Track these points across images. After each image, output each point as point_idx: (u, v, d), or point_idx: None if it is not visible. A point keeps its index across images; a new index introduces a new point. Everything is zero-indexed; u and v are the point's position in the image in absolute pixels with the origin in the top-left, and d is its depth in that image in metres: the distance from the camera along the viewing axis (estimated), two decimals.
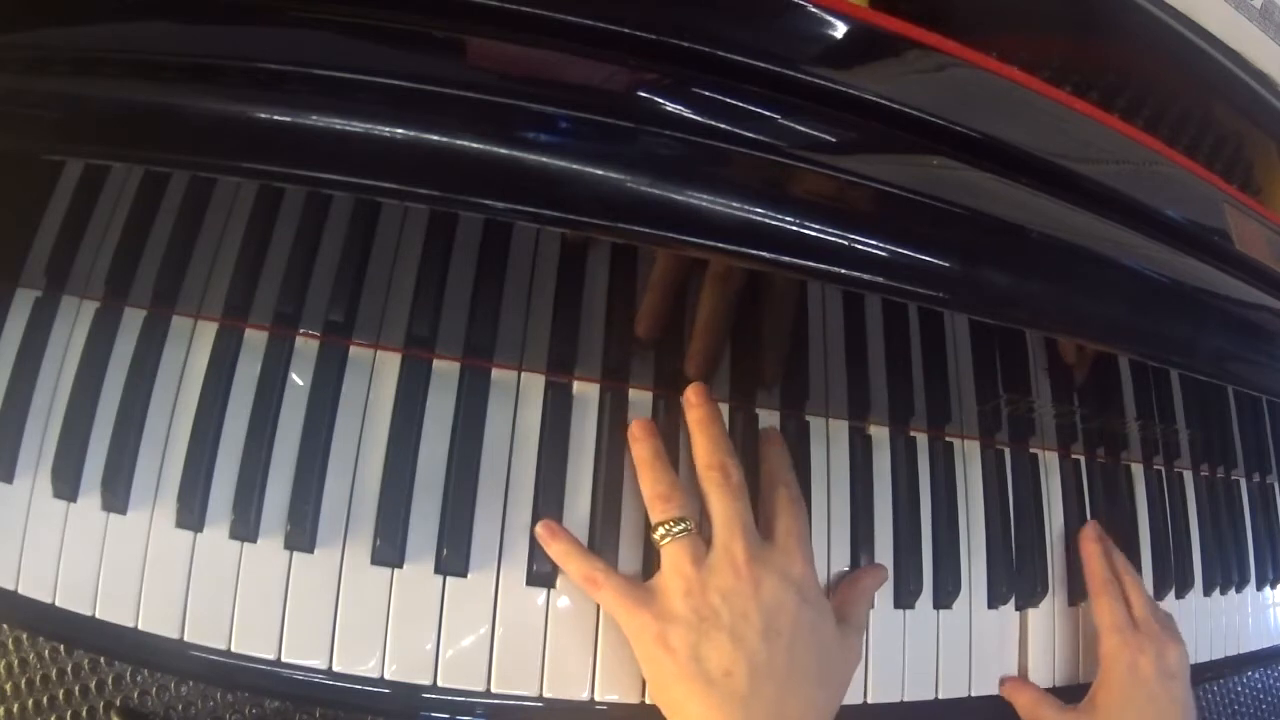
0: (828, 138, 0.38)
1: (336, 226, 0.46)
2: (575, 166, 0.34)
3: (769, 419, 0.54)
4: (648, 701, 0.47)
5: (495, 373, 0.50)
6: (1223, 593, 0.71)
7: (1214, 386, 0.63)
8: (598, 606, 0.48)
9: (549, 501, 0.48)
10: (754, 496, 0.49)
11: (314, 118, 0.33)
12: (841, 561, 0.54)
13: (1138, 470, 0.67)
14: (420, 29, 0.35)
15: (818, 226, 0.37)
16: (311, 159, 0.34)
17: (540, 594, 0.48)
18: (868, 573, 0.53)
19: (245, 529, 0.45)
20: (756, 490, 0.50)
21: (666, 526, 0.46)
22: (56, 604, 0.43)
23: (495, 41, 0.35)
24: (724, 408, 0.53)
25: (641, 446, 0.49)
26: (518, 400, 0.50)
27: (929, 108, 0.39)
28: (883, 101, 0.38)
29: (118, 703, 0.57)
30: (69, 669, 0.57)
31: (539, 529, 0.47)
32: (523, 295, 0.49)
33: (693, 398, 0.50)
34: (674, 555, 0.45)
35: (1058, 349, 0.57)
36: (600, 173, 0.35)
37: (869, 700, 0.53)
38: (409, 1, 0.34)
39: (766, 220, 0.37)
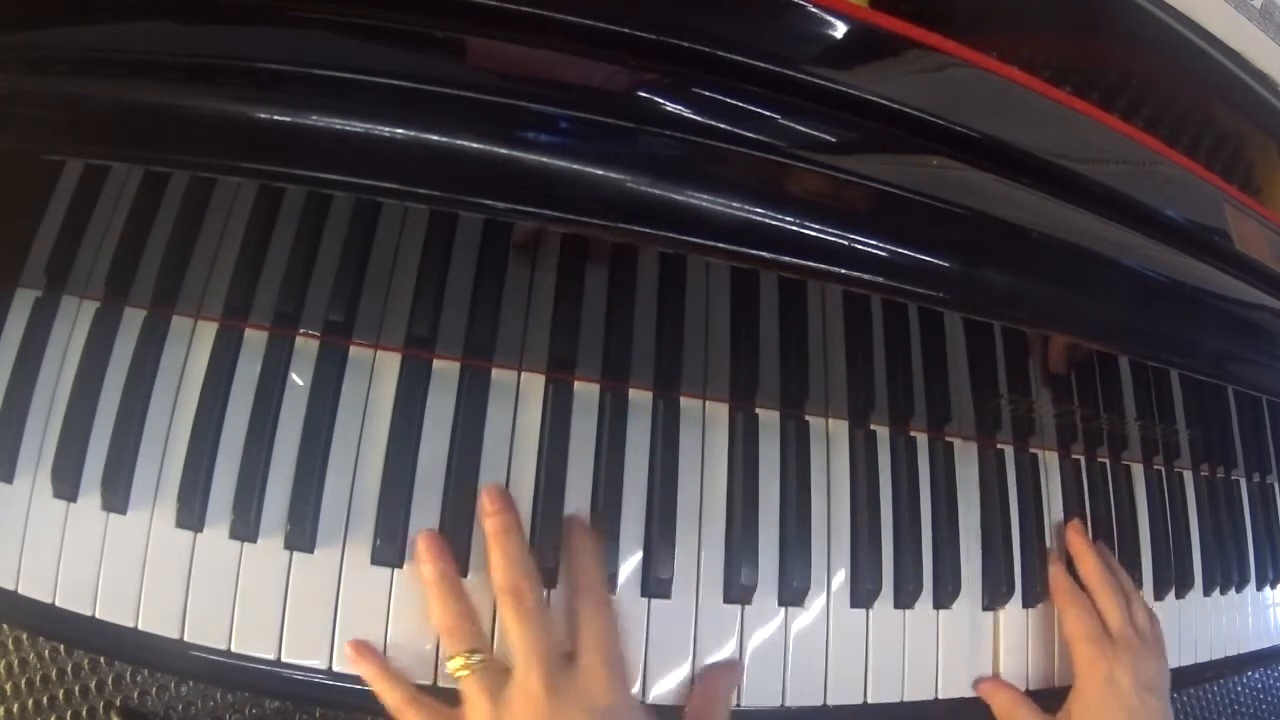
0: (828, 138, 0.38)
1: (336, 226, 0.46)
2: (575, 166, 0.34)
3: (769, 419, 0.54)
4: (649, 702, 0.47)
5: (495, 373, 0.50)
6: (1223, 593, 0.71)
7: (1214, 386, 0.63)
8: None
9: (549, 501, 0.48)
10: None
11: (314, 118, 0.33)
12: (842, 561, 0.54)
13: (1138, 470, 0.67)
14: (420, 29, 0.35)
15: (818, 226, 0.37)
16: (311, 159, 0.34)
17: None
18: (720, 674, 0.49)
19: (245, 529, 0.45)
20: None
21: (462, 659, 0.42)
22: (56, 604, 0.43)
23: (495, 41, 0.35)
24: (724, 408, 0.53)
25: (428, 568, 0.44)
26: (518, 400, 0.50)
27: (929, 108, 0.39)
28: (883, 101, 0.39)
29: (118, 703, 0.57)
30: (69, 669, 0.57)
31: (348, 649, 0.44)
32: (523, 295, 0.49)
33: (488, 504, 0.46)
34: (470, 691, 0.42)
35: (1057, 349, 0.57)
36: (600, 173, 0.35)
37: (869, 700, 0.53)
38: (409, 1, 0.34)
39: (767, 220, 0.37)
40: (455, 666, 0.43)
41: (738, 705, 0.50)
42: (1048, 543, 0.61)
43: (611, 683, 0.43)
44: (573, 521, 0.48)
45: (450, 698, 0.44)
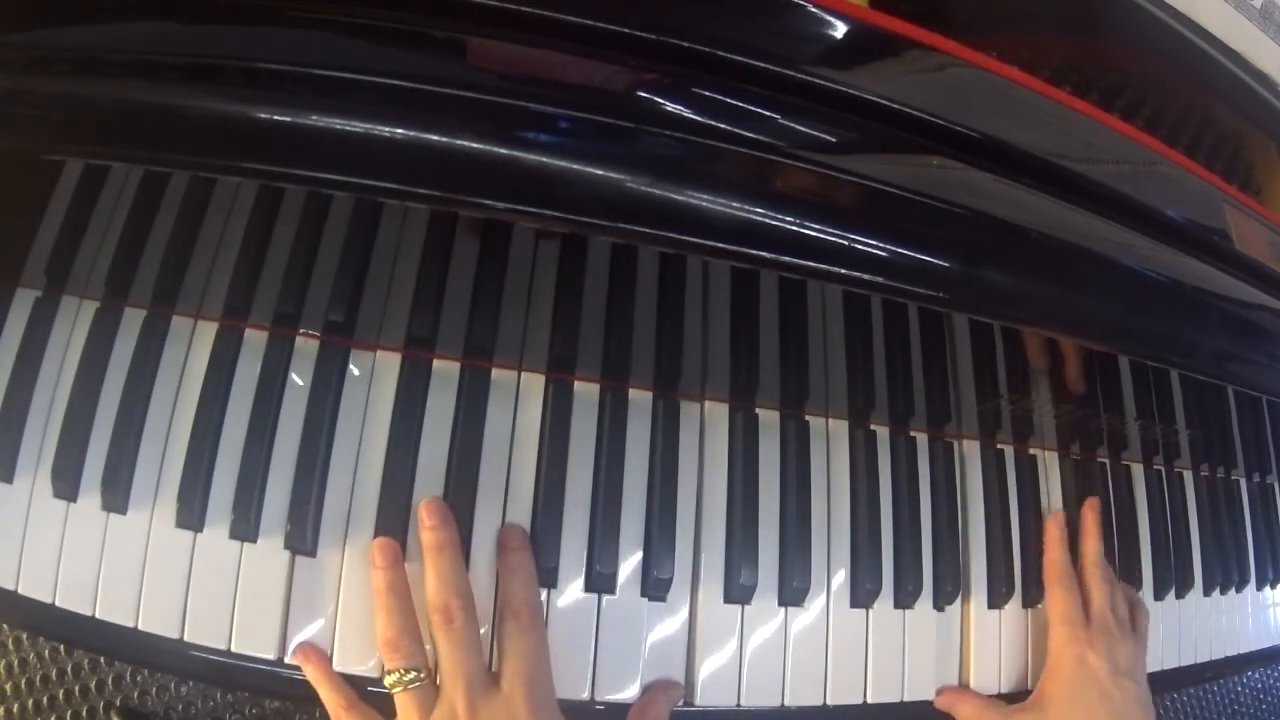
0: (828, 138, 0.38)
1: (336, 226, 0.46)
2: (575, 166, 0.35)
3: (769, 419, 0.54)
4: None
5: (495, 373, 0.50)
6: (1223, 593, 0.71)
7: (1214, 386, 0.63)
8: (597, 606, 0.48)
9: (549, 501, 0.48)
10: None
11: (314, 118, 0.33)
12: (842, 561, 0.54)
13: (1138, 470, 0.67)
14: (420, 29, 0.35)
15: (818, 226, 0.37)
16: (311, 159, 0.34)
17: (540, 594, 0.48)
18: (660, 695, 0.48)
19: (245, 529, 0.45)
20: None
21: (397, 674, 0.43)
22: (56, 604, 0.43)
23: (495, 41, 0.35)
24: (724, 408, 0.53)
25: (379, 575, 0.44)
26: (518, 400, 0.50)
27: (929, 108, 0.39)
28: (883, 101, 0.39)
29: (118, 703, 0.57)
30: (69, 669, 0.57)
31: (297, 651, 0.44)
32: (523, 295, 0.49)
33: (426, 518, 0.45)
34: (403, 707, 0.43)
35: (1058, 349, 0.57)
36: (600, 173, 0.35)
37: (869, 700, 0.53)
38: (409, 1, 0.34)
39: (766, 220, 0.37)
40: (390, 682, 0.43)
41: (738, 705, 0.50)
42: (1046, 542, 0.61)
43: (530, 706, 0.43)
44: (509, 536, 0.47)
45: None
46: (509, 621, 0.45)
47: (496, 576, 0.47)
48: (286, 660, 0.45)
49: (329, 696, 0.44)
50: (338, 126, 0.33)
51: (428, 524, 0.45)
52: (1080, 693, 0.54)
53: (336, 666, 0.45)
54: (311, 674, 0.44)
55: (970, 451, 0.60)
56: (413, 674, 0.43)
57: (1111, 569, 0.61)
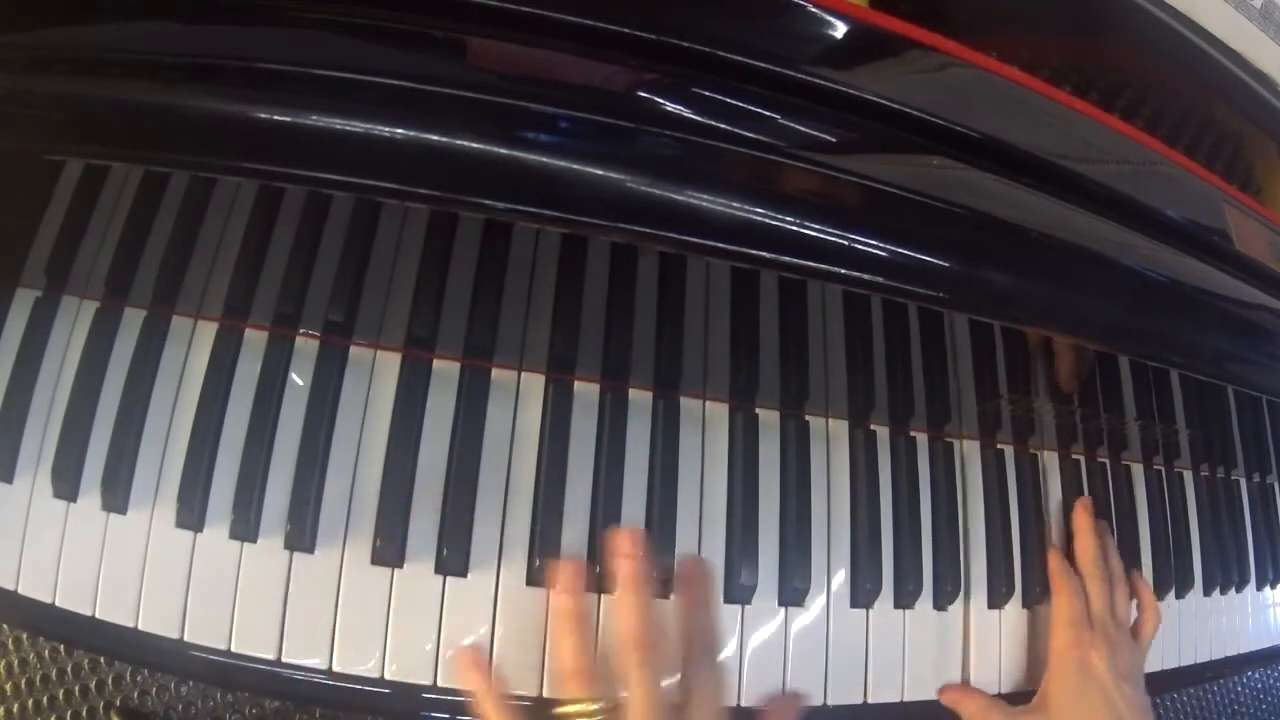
0: (828, 138, 0.38)
1: (336, 226, 0.46)
2: (575, 166, 0.34)
3: (769, 419, 0.54)
4: None
5: (495, 373, 0.50)
6: (1223, 593, 0.71)
7: (1214, 386, 0.63)
8: (597, 606, 0.48)
9: (549, 501, 0.48)
10: None
11: (314, 118, 0.33)
12: (842, 561, 0.54)
13: (1138, 470, 0.67)
14: (420, 29, 0.35)
15: (818, 226, 0.37)
16: (311, 159, 0.34)
17: (540, 594, 0.48)
18: (791, 702, 0.49)
19: (245, 529, 0.45)
20: None
21: (583, 705, 0.41)
22: (56, 604, 0.43)
23: (495, 41, 0.35)
24: (724, 408, 0.53)
25: (569, 600, 0.43)
26: (518, 400, 0.50)
27: (929, 108, 0.39)
28: (883, 101, 0.39)
29: (118, 703, 0.57)
30: (69, 669, 0.57)
31: (459, 658, 0.44)
32: (523, 295, 0.49)
33: (627, 547, 0.43)
34: None
35: (1058, 349, 0.57)
36: (600, 173, 0.35)
37: (869, 700, 0.53)
38: (409, 1, 0.34)
39: (766, 220, 0.37)
40: (573, 711, 0.42)
41: (738, 705, 0.50)
42: (1047, 542, 0.61)
43: None
44: (694, 569, 0.46)
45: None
46: (701, 660, 0.44)
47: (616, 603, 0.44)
48: (335, 671, 0.44)
49: (494, 713, 0.43)
50: (338, 126, 0.33)
51: (627, 553, 0.43)
52: (1083, 696, 0.54)
53: (336, 667, 0.45)
54: (475, 687, 0.43)
55: (970, 451, 0.60)
56: (598, 705, 0.41)
57: (1119, 565, 0.60)
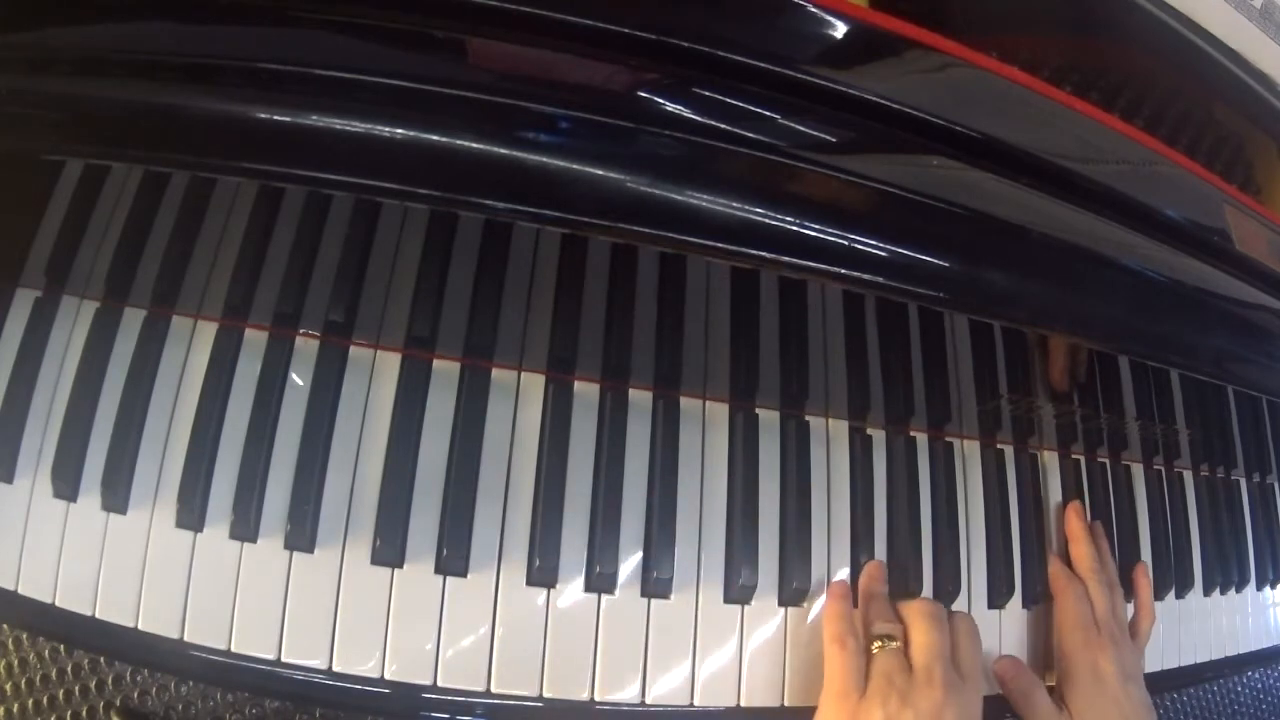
0: (828, 138, 0.38)
1: (336, 226, 0.46)
2: (575, 166, 0.34)
3: (769, 419, 0.54)
4: (649, 703, 0.47)
5: (495, 373, 0.50)
6: (1223, 593, 0.71)
7: (1214, 386, 0.63)
8: (597, 606, 0.48)
9: (549, 501, 0.48)
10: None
11: (314, 118, 0.33)
12: (842, 561, 0.54)
13: (1138, 470, 0.67)
14: (420, 29, 0.35)
15: (818, 226, 0.37)
16: (312, 159, 0.34)
17: (540, 594, 0.48)
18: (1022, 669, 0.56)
19: (245, 529, 0.45)
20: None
21: (880, 641, 0.50)
22: (56, 604, 0.43)
23: (495, 41, 0.35)
24: (724, 408, 0.53)
25: (868, 581, 0.53)
26: (518, 400, 0.50)
27: (929, 108, 0.39)
28: (883, 101, 0.39)
29: (118, 703, 0.57)
30: (69, 669, 0.57)
31: (836, 585, 0.53)
32: (523, 295, 0.49)
33: (875, 570, 0.54)
34: (880, 666, 0.49)
35: (1058, 349, 0.57)
36: (600, 173, 0.35)
37: None
38: (409, 1, 0.34)
39: (766, 220, 0.37)
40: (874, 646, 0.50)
41: (738, 705, 0.50)
42: (1047, 542, 0.61)
43: (978, 708, 0.50)
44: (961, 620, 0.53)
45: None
46: (969, 682, 0.50)
47: None
48: (335, 671, 0.45)
49: (834, 628, 0.50)
50: (338, 126, 0.33)
51: (876, 575, 0.53)
52: (1096, 698, 0.54)
53: (336, 667, 0.45)
54: (834, 607, 0.51)
55: (970, 451, 0.60)
56: (894, 644, 0.49)
57: (1114, 570, 0.61)
